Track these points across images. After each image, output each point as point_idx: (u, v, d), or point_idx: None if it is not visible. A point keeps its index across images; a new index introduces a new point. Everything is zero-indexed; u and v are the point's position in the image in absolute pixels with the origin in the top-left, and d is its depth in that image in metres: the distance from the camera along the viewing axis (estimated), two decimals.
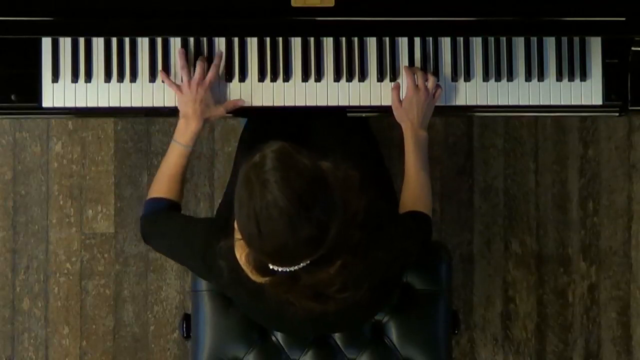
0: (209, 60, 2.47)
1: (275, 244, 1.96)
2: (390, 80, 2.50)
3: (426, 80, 2.46)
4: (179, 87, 2.45)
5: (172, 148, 2.43)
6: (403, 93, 2.48)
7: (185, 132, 2.43)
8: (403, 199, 2.39)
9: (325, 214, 1.96)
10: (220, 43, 2.49)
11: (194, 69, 2.46)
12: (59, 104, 2.48)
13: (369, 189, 2.14)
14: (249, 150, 2.59)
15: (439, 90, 2.48)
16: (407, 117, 2.44)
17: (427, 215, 2.35)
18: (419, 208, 2.36)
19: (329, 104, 2.50)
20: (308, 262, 2.01)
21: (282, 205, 1.92)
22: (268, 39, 2.49)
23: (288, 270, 2.01)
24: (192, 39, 2.48)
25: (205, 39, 2.48)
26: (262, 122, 2.61)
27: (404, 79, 2.48)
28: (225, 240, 2.12)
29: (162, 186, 2.40)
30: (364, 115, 2.52)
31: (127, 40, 2.48)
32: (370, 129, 2.66)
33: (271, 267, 2.02)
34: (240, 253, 2.12)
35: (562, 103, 2.53)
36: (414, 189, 2.39)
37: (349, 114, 2.52)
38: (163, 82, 2.48)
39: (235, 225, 2.04)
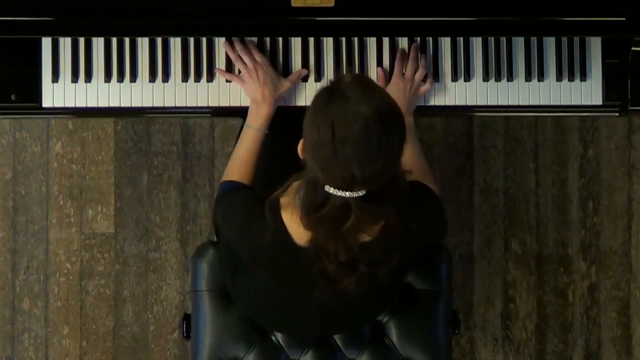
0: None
1: (349, 150, 1.94)
2: None
3: (416, 71, 2.47)
4: (240, 78, 2.46)
5: (245, 133, 2.43)
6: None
7: (256, 116, 2.43)
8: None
9: (399, 136, 1.97)
10: (220, 43, 2.49)
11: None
12: (59, 104, 2.48)
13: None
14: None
15: (427, 84, 2.48)
16: None
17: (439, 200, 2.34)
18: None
19: None
20: (364, 192, 2.00)
21: (363, 112, 1.94)
22: (268, 39, 2.49)
23: (344, 195, 2.00)
24: (192, 39, 2.48)
25: (205, 39, 2.48)
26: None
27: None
28: (272, 196, 2.13)
29: (235, 171, 2.40)
30: None
31: (127, 40, 2.48)
32: None
33: (327, 189, 2.00)
34: (290, 198, 2.11)
35: (562, 103, 2.53)
36: (417, 173, 2.37)
37: None
38: (164, 82, 2.48)
39: (306, 172, 2.03)
